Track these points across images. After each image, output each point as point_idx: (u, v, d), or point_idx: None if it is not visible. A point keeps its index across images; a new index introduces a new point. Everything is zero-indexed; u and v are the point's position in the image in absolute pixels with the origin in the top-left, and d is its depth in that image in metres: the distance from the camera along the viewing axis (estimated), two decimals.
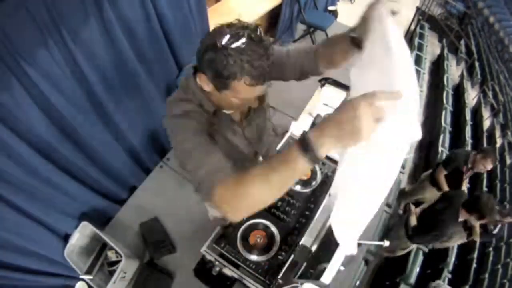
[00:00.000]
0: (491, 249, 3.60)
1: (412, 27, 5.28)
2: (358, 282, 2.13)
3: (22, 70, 1.34)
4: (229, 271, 1.42)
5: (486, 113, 5.13)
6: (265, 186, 0.70)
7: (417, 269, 2.72)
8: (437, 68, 5.36)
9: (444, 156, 3.52)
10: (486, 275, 3.32)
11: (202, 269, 1.54)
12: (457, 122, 4.54)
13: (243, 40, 0.73)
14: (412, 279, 2.65)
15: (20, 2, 1.20)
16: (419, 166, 3.84)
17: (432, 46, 5.91)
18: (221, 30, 0.76)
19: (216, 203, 0.77)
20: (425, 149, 4.12)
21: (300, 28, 4.40)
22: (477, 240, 2.78)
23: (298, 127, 2.04)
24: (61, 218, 1.94)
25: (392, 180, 0.68)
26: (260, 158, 1.35)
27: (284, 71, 1.16)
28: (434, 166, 3.00)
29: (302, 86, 3.73)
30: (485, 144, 4.39)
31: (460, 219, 2.17)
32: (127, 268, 2.01)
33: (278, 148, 1.88)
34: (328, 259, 1.20)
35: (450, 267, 2.93)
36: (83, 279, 1.99)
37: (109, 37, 1.67)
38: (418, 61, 4.59)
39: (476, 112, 5.15)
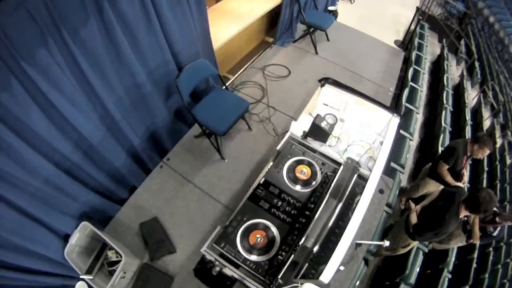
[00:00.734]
0: (491, 249, 3.60)
1: (412, 27, 5.28)
2: (358, 282, 2.12)
3: (22, 70, 1.34)
4: (229, 271, 1.42)
5: (486, 113, 5.13)
6: None
7: (417, 269, 2.72)
8: (437, 68, 5.36)
9: None
10: (486, 275, 3.32)
11: (202, 269, 1.55)
12: (457, 122, 4.54)
13: None
14: (412, 279, 2.64)
15: (20, 2, 1.20)
16: (419, 166, 3.83)
17: (432, 46, 5.91)
18: None
19: None
20: (425, 149, 4.12)
21: (300, 28, 4.40)
22: (477, 243, 2.79)
23: (298, 127, 2.04)
24: (61, 218, 1.94)
25: None
26: None
27: None
28: (433, 161, 3.00)
29: (302, 86, 3.76)
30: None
31: (461, 216, 2.15)
32: (127, 268, 2.01)
33: (278, 147, 1.88)
34: (329, 258, 1.20)
35: (450, 267, 2.93)
36: (83, 279, 1.99)
37: (109, 37, 1.67)
38: (418, 61, 4.60)
39: (476, 112, 5.15)
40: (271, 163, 1.83)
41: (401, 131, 3.36)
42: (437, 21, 5.96)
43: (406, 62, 4.73)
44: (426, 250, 2.81)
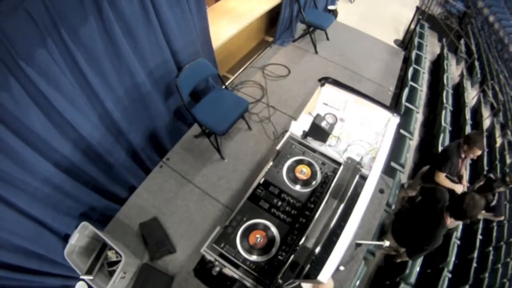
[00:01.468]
0: (491, 248, 3.61)
1: (412, 26, 5.27)
2: (358, 282, 2.12)
3: (21, 70, 1.33)
4: (229, 271, 1.42)
5: (486, 113, 5.14)
6: None
7: (417, 269, 2.72)
8: (437, 68, 5.36)
9: None
10: (486, 275, 3.33)
11: (202, 269, 1.54)
12: (457, 121, 4.54)
13: None
14: (412, 279, 2.65)
15: (19, 2, 1.20)
16: (419, 166, 3.83)
17: (432, 46, 5.91)
18: None
19: None
20: (425, 148, 4.12)
21: (300, 27, 4.40)
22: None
23: (298, 127, 2.03)
24: (61, 218, 1.94)
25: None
26: None
27: None
28: (430, 167, 3.00)
29: (302, 86, 3.75)
30: (485, 143, 4.38)
31: (448, 223, 2.12)
32: (127, 268, 2.01)
33: (278, 147, 1.88)
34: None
35: (450, 266, 2.93)
36: (83, 279, 1.99)
37: (108, 36, 1.67)
38: (418, 60, 4.60)
39: (476, 112, 5.15)
40: (271, 163, 1.83)
41: (401, 131, 3.36)
42: (437, 20, 5.96)
43: (406, 61, 4.73)
44: None
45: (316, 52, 4.18)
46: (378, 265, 2.99)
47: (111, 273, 2.02)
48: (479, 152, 2.58)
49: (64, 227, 1.98)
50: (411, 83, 4.07)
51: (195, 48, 2.46)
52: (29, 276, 1.77)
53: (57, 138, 1.69)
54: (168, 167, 2.72)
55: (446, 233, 2.14)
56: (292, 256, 1.40)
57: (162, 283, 2.12)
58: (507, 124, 5.19)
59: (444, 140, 3.72)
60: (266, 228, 1.53)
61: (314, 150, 1.91)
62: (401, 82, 4.38)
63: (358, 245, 2.05)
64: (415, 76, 4.31)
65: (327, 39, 4.42)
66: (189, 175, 2.68)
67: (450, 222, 2.12)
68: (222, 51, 3.05)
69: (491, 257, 3.53)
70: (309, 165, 1.81)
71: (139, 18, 1.81)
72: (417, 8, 5.59)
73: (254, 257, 1.43)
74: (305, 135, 1.98)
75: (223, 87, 2.84)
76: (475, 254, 3.38)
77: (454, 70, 5.80)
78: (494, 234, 3.77)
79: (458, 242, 3.23)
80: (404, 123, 3.48)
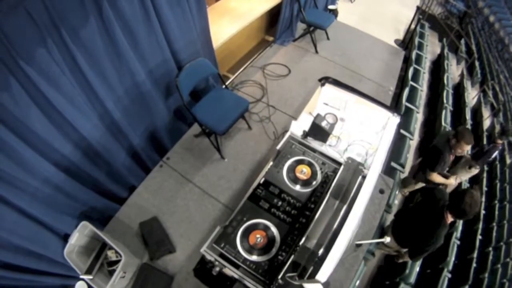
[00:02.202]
0: (491, 248, 3.60)
1: (413, 26, 5.27)
2: (358, 282, 2.12)
3: (21, 69, 1.33)
4: (229, 271, 1.42)
5: (486, 113, 5.13)
6: None
7: (417, 269, 2.72)
8: (437, 68, 5.36)
9: None
10: (486, 275, 3.33)
11: (202, 269, 1.54)
12: (457, 121, 4.54)
13: None
14: (412, 279, 2.65)
15: (18, 2, 1.19)
16: (419, 166, 3.83)
17: (433, 46, 5.91)
18: None
19: None
20: (425, 148, 4.11)
21: (300, 27, 4.39)
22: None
23: (298, 127, 2.03)
24: (61, 218, 1.94)
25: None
26: None
27: None
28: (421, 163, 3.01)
29: (302, 86, 3.75)
30: (485, 143, 4.38)
31: (448, 222, 2.10)
32: (127, 268, 2.01)
33: (278, 147, 1.88)
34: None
35: (450, 266, 2.93)
36: (83, 279, 1.99)
37: (108, 36, 1.67)
38: (418, 60, 4.59)
39: (476, 112, 5.15)
40: (271, 163, 1.83)
41: (401, 131, 3.36)
42: (438, 20, 5.95)
43: (406, 61, 4.72)
44: None
45: (317, 52, 4.18)
46: (378, 265, 2.99)
47: (111, 273, 2.02)
48: (467, 147, 2.54)
49: (64, 226, 1.97)
50: (411, 83, 4.07)
51: (195, 47, 2.45)
52: (29, 276, 1.77)
53: (57, 138, 1.68)
54: (168, 166, 2.72)
55: (446, 233, 2.14)
56: (292, 256, 1.40)
57: (162, 283, 2.12)
58: (507, 123, 5.19)
59: None
60: (266, 228, 1.53)
61: (314, 150, 1.91)
62: (402, 82, 4.37)
63: (359, 245, 2.04)
64: (416, 76, 4.30)
65: (328, 38, 4.41)
66: (189, 175, 2.68)
67: (451, 221, 2.12)
68: (223, 50, 3.05)
69: (491, 257, 3.53)
70: (309, 165, 1.80)
71: (139, 17, 1.80)
72: (418, 8, 5.58)
73: (254, 257, 1.43)
74: (305, 135, 1.98)
75: (223, 86, 2.83)
76: (475, 254, 3.38)
77: (454, 70, 5.80)
78: (494, 234, 3.77)
79: (458, 242, 3.23)
80: (404, 123, 3.48)
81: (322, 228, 1.52)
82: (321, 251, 1.35)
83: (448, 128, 3.91)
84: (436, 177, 2.73)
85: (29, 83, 1.39)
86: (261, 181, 1.71)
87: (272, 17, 4.01)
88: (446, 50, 5.31)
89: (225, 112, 2.52)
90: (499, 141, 3.14)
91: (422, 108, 4.63)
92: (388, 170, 2.93)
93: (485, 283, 3.27)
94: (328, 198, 1.62)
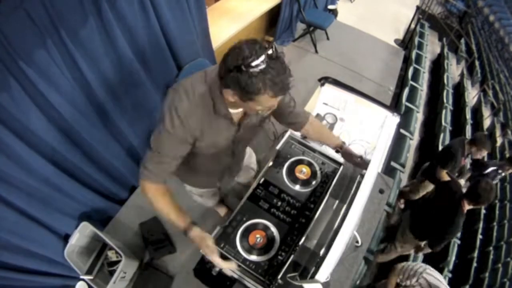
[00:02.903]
0: (491, 248, 3.60)
1: (412, 26, 5.27)
2: (358, 282, 2.13)
3: (21, 70, 1.33)
4: (229, 271, 1.42)
5: (486, 112, 5.13)
6: (159, 213, 1.22)
7: None
8: (437, 67, 5.36)
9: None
10: (487, 274, 3.33)
11: (202, 269, 1.54)
12: (458, 121, 4.55)
13: (262, 59, 0.82)
14: None
15: (18, 2, 1.19)
16: (419, 166, 3.83)
17: (432, 45, 5.90)
18: (241, 49, 0.86)
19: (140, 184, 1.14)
20: (425, 148, 4.12)
21: (300, 27, 4.39)
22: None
23: None
24: (61, 218, 1.94)
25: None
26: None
27: (277, 116, 1.37)
28: (431, 163, 3.04)
29: (302, 86, 3.74)
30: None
31: (465, 210, 2.23)
32: (127, 268, 2.01)
33: (278, 147, 1.88)
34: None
35: (451, 266, 2.93)
36: (83, 279, 1.99)
37: (108, 37, 1.67)
38: (418, 60, 4.59)
39: (477, 111, 5.15)
40: (270, 163, 1.83)
41: (401, 130, 3.36)
42: (437, 20, 5.95)
43: (406, 61, 4.72)
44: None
45: (316, 52, 4.18)
46: (378, 265, 2.99)
47: (111, 273, 2.02)
48: (485, 153, 2.72)
49: (64, 227, 1.98)
50: (411, 82, 4.07)
51: (195, 48, 2.45)
52: (29, 276, 1.77)
53: (56, 138, 1.69)
54: None
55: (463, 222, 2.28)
56: (292, 256, 1.40)
57: (162, 283, 2.12)
58: (508, 123, 5.18)
59: (444, 140, 3.72)
60: (266, 228, 1.53)
61: (314, 150, 1.90)
62: (402, 82, 4.37)
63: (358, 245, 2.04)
64: (416, 76, 4.30)
65: (327, 38, 4.41)
66: None
67: (468, 209, 2.25)
68: (222, 51, 3.01)
69: (491, 257, 3.53)
70: (309, 165, 1.80)
71: (138, 18, 1.80)
72: (417, 8, 5.58)
73: (254, 257, 1.43)
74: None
75: None
76: (475, 254, 3.38)
77: (454, 70, 5.80)
78: (494, 234, 3.77)
79: (458, 242, 3.23)
80: (405, 123, 3.48)
81: (322, 228, 1.52)
82: (322, 251, 1.35)
83: (449, 127, 3.92)
84: (445, 176, 2.79)
85: (28, 84, 1.40)
86: (261, 181, 1.71)
87: (272, 17, 4.01)
88: (446, 50, 5.31)
89: None
90: (508, 169, 3.26)
91: (422, 107, 4.63)
92: (388, 170, 2.93)
93: (486, 283, 3.27)
94: (328, 198, 1.62)
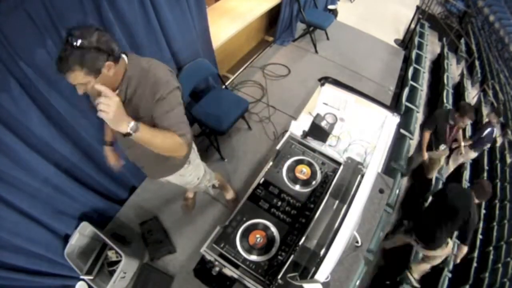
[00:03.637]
0: (491, 248, 3.60)
1: (412, 26, 5.27)
2: (358, 282, 2.12)
3: (21, 70, 1.33)
4: (229, 271, 1.42)
5: (486, 112, 5.12)
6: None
7: None
8: (438, 67, 5.35)
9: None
10: (487, 274, 3.32)
11: (202, 269, 1.54)
12: None
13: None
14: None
15: (18, 2, 1.19)
16: (420, 165, 3.83)
17: (432, 45, 5.90)
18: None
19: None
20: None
21: (300, 27, 4.39)
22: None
23: (298, 127, 2.03)
24: (61, 218, 1.94)
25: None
26: None
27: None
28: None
29: (302, 86, 3.75)
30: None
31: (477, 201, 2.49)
32: (127, 268, 2.01)
33: (278, 147, 1.88)
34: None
35: (451, 266, 2.93)
36: (83, 279, 1.99)
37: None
38: (418, 60, 4.59)
39: (477, 111, 5.14)
40: (270, 163, 1.83)
41: (401, 130, 3.35)
42: (437, 20, 5.95)
43: (406, 61, 4.72)
44: None
45: (316, 52, 4.18)
46: (378, 265, 2.99)
47: (111, 273, 2.02)
48: (468, 122, 2.99)
49: (64, 227, 1.98)
50: (411, 82, 4.07)
51: (195, 48, 2.45)
52: (29, 276, 1.77)
53: (57, 138, 1.68)
54: None
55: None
56: (292, 256, 1.40)
57: (162, 283, 2.12)
58: (508, 123, 5.18)
59: None
60: (266, 228, 1.53)
61: (314, 150, 1.91)
62: (401, 82, 4.37)
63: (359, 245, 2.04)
64: (416, 76, 4.30)
65: (327, 38, 4.42)
66: None
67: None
68: (222, 51, 3.05)
69: (491, 257, 3.53)
70: (309, 165, 1.80)
71: (138, 18, 1.80)
72: (417, 8, 5.58)
73: (254, 257, 1.43)
74: (305, 135, 1.98)
75: (223, 87, 2.83)
76: (475, 254, 3.38)
77: (454, 70, 5.80)
78: (495, 233, 3.77)
79: (458, 242, 3.23)
80: (404, 123, 3.48)
81: (322, 228, 1.52)
82: (322, 251, 1.35)
83: None
84: (425, 138, 3.12)
85: (28, 84, 1.40)
86: (261, 181, 1.71)
87: (272, 17, 4.01)
88: (446, 50, 5.31)
89: (225, 112, 2.52)
90: (491, 119, 3.51)
91: (422, 107, 4.63)
92: (388, 170, 2.93)
93: (486, 283, 3.26)
94: (328, 198, 1.62)
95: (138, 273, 2.13)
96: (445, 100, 4.21)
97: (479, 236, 3.62)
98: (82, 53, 0.96)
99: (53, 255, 1.90)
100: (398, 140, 3.25)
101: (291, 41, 4.26)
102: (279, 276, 1.34)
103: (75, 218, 2.06)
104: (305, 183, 1.72)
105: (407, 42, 5.09)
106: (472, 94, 5.46)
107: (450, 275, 2.88)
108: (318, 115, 1.97)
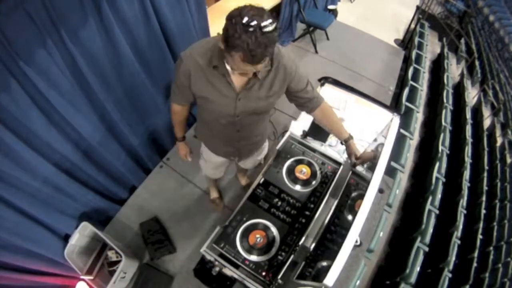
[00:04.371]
0: (491, 248, 3.60)
1: (412, 26, 5.27)
2: (358, 282, 2.12)
3: (21, 70, 1.33)
4: (229, 271, 1.42)
5: (486, 112, 5.13)
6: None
7: (417, 269, 2.72)
8: (437, 67, 5.35)
9: (444, 155, 3.52)
10: (487, 274, 3.32)
11: (202, 269, 1.54)
12: (458, 121, 4.54)
13: (254, 23, 0.90)
14: (413, 279, 2.64)
15: (18, 3, 1.19)
16: (419, 165, 3.83)
17: (432, 45, 5.90)
18: (245, 9, 0.93)
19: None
20: (425, 148, 4.11)
21: (300, 27, 4.39)
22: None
23: (298, 127, 2.03)
24: (61, 218, 1.94)
25: None
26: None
27: (290, 95, 1.42)
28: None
29: None
30: (485, 143, 4.38)
31: None
32: (127, 268, 2.01)
33: (278, 147, 1.88)
34: (326, 257, 1.19)
35: (451, 266, 2.92)
36: (83, 279, 1.99)
37: (108, 37, 1.67)
38: (418, 60, 4.59)
39: (477, 111, 5.14)
40: (270, 163, 1.83)
41: (401, 130, 3.35)
42: (437, 20, 5.94)
43: (406, 61, 4.72)
44: (427, 249, 2.81)
45: (316, 52, 4.18)
46: (378, 265, 2.99)
47: (111, 273, 2.02)
48: None
49: (64, 227, 1.98)
50: (411, 82, 4.07)
51: None
52: (29, 276, 1.77)
53: (57, 138, 1.69)
54: (168, 167, 2.72)
55: (446, 233, 2.17)
56: (292, 256, 1.40)
57: (162, 283, 2.12)
58: (508, 123, 5.18)
59: (444, 140, 3.71)
60: (266, 228, 1.53)
61: (314, 150, 1.91)
62: (401, 82, 4.37)
63: (359, 244, 2.04)
64: (415, 76, 4.30)
65: (327, 38, 4.42)
66: (189, 175, 2.68)
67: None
68: None
69: (491, 257, 3.52)
70: (309, 165, 1.80)
71: (138, 18, 1.81)
72: (417, 8, 5.57)
73: (254, 257, 1.43)
74: (305, 134, 1.98)
75: None
76: (476, 254, 3.37)
77: (454, 70, 5.79)
78: (495, 234, 3.76)
79: (458, 242, 3.22)
80: (404, 123, 3.47)
81: (322, 228, 1.52)
82: (312, 247, 1.35)
83: (448, 127, 3.91)
84: None
85: (28, 84, 1.40)
86: (261, 181, 1.71)
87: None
88: (446, 50, 5.30)
89: None
90: None
91: (422, 107, 4.63)
92: (388, 170, 2.93)
93: (486, 283, 3.26)
94: (327, 198, 1.62)
95: (138, 273, 2.13)
96: (445, 100, 4.21)
97: (479, 236, 3.61)
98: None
99: (53, 255, 1.89)
100: (398, 140, 3.25)
101: (291, 41, 4.26)
102: (279, 276, 1.34)
103: (75, 218, 2.06)
104: (305, 183, 1.72)
105: (407, 42, 5.09)
106: (472, 94, 5.46)
107: (450, 275, 2.87)
108: None
